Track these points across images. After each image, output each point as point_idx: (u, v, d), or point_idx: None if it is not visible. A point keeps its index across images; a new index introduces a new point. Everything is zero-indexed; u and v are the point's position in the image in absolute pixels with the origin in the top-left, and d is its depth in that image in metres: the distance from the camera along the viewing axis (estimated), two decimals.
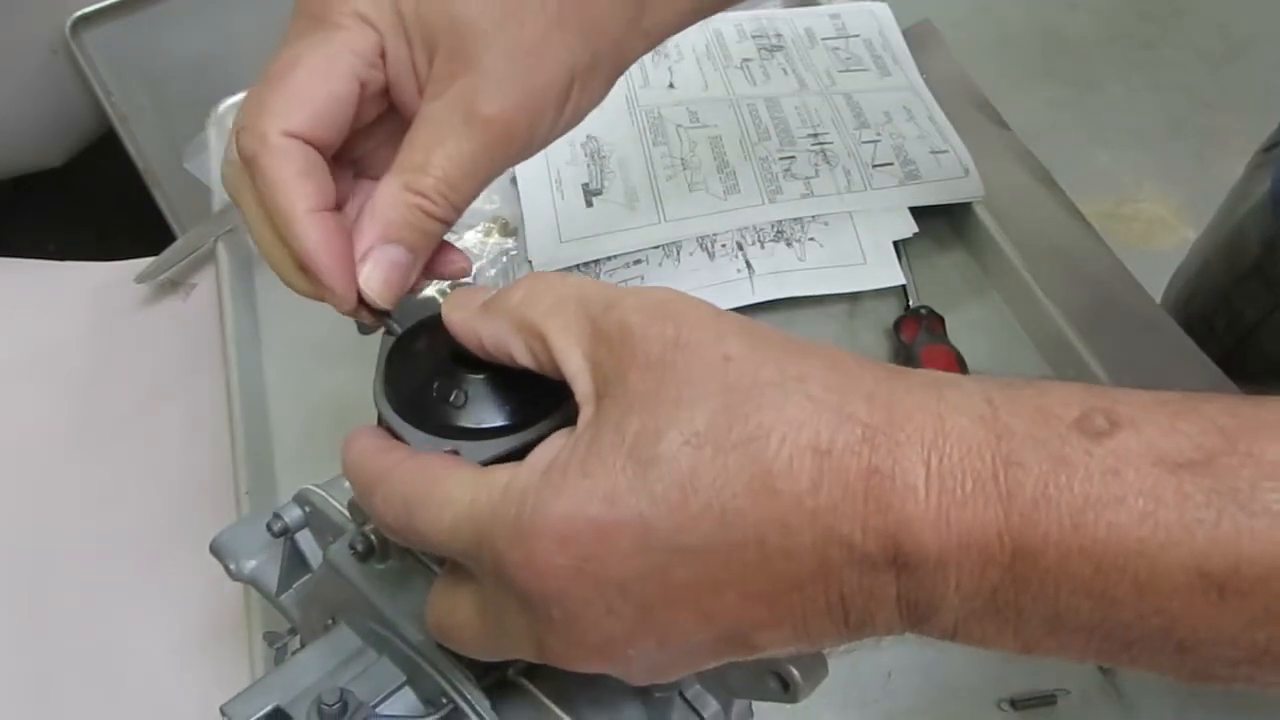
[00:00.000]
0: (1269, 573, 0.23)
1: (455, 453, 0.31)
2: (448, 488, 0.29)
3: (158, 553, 0.60)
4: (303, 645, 0.42)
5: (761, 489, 0.25)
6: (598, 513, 0.26)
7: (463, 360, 0.32)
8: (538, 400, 0.31)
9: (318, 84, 0.36)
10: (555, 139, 0.39)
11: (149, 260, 0.75)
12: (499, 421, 0.31)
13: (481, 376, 0.32)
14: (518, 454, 0.30)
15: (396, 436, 0.32)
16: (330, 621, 0.38)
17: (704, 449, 0.26)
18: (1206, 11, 2.22)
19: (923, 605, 0.25)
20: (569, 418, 0.29)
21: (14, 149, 1.06)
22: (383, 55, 0.37)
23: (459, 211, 0.36)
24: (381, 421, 0.33)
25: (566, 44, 0.37)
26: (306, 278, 0.36)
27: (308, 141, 0.35)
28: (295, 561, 0.43)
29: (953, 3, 2.08)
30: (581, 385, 0.28)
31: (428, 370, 0.33)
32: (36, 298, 0.77)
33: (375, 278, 0.35)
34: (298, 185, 0.35)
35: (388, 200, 0.35)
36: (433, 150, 0.35)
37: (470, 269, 0.40)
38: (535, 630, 0.28)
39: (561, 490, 0.26)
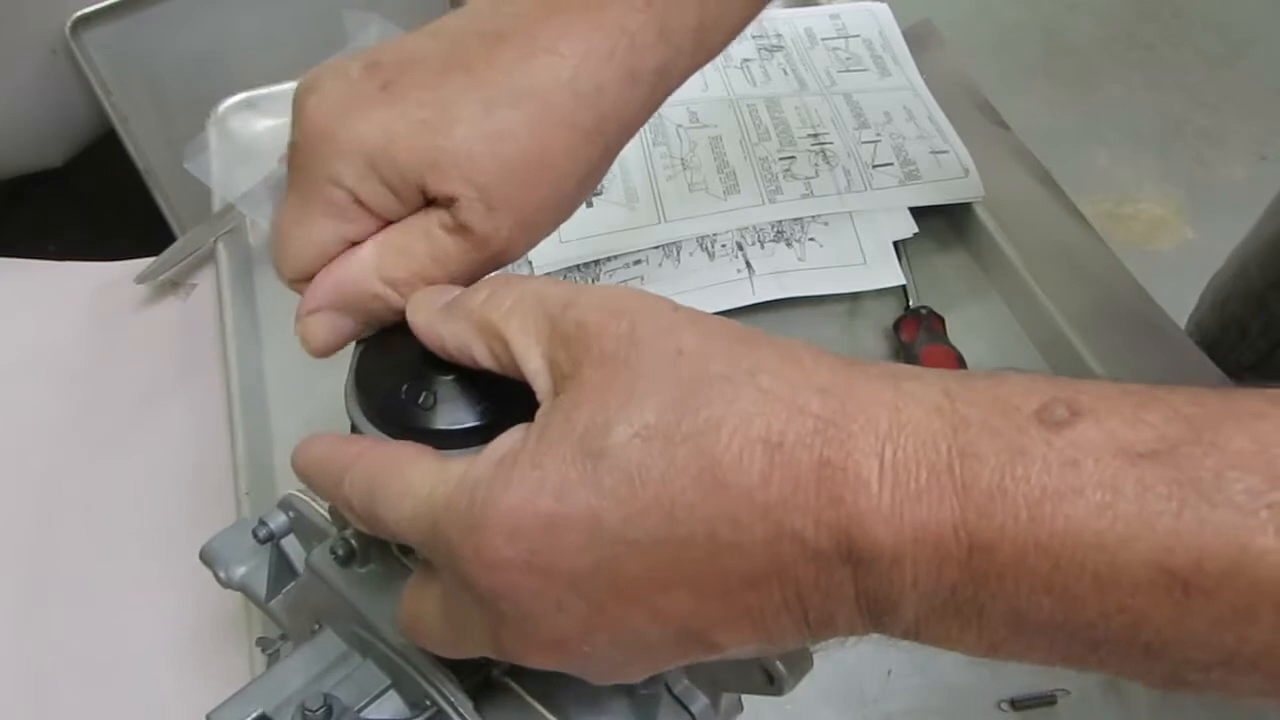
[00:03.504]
0: (1234, 568, 0.22)
1: None
2: (409, 477, 0.29)
3: (157, 553, 0.60)
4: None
5: (711, 482, 0.25)
6: (546, 505, 0.26)
7: (432, 362, 0.31)
8: (508, 403, 0.30)
9: (311, 242, 0.34)
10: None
11: (149, 260, 0.75)
12: (467, 426, 0.31)
13: (450, 379, 0.31)
14: None
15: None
16: (316, 626, 0.38)
17: (653, 442, 0.25)
18: (1206, 11, 2.22)
19: (881, 602, 0.25)
20: None
21: (14, 149, 1.05)
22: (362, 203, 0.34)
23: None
24: (354, 427, 0.33)
25: (569, 152, 0.34)
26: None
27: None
28: (282, 567, 0.43)
29: (953, 3, 2.09)
30: (541, 384, 0.28)
31: (397, 373, 0.32)
32: (36, 298, 0.77)
33: (316, 336, 0.35)
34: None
35: (355, 277, 0.34)
36: (417, 244, 0.33)
37: None
38: (490, 626, 0.28)
39: (511, 482, 0.26)
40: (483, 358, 0.30)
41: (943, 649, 0.26)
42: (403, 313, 0.34)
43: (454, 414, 0.31)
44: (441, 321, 0.31)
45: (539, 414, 0.28)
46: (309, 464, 0.32)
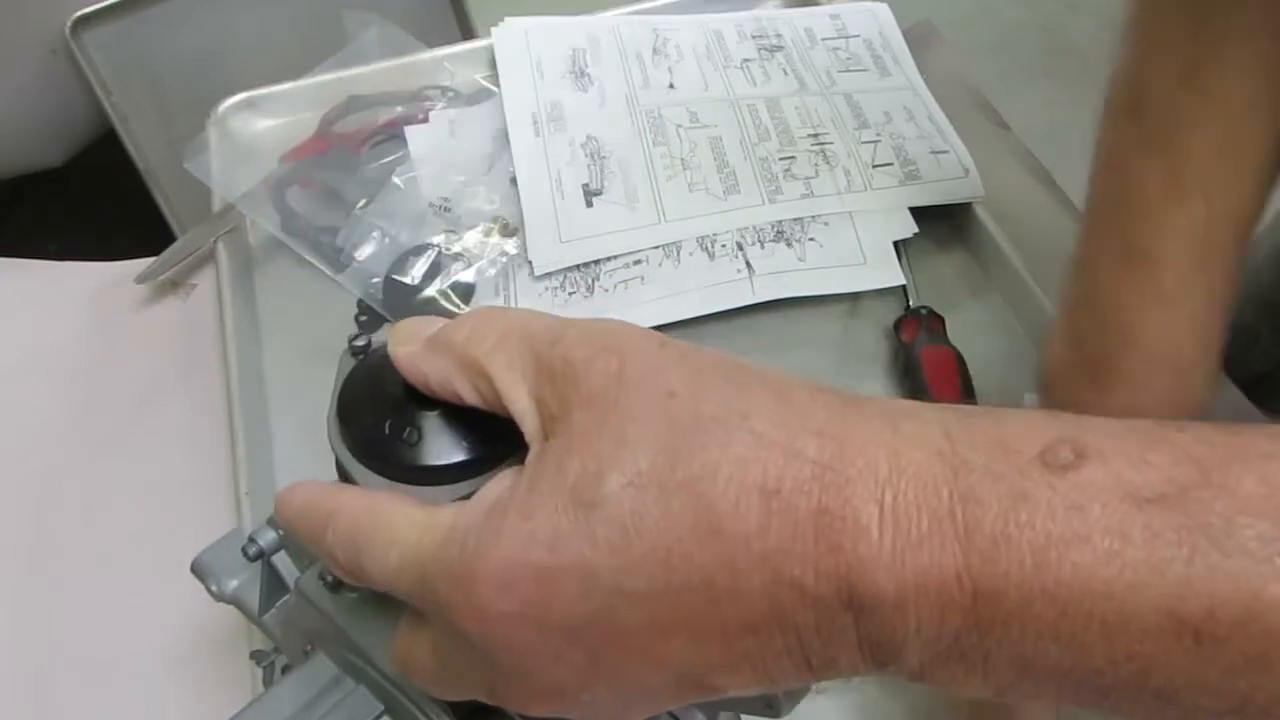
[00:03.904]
0: (1246, 616, 0.21)
1: None
2: (395, 527, 0.28)
3: (156, 554, 0.60)
4: (289, 665, 0.42)
5: (707, 531, 0.24)
6: (539, 557, 0.25)
7: (417, 395, 0.30)
8: (495, 439, 0.30)
9: None
10: None
11: (149, 260, 0.75)
12: (454, 462, 0.30)
13: (436, 414, 0.30)
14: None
15: (347, 475, 0.31)
16: (309, 648, 0.38)
17: (647, 490, 0.25)
18: None
19: (885, 647, 0.24)
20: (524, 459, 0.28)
21: (14, 149, 1.05)
22: None
23: None
24: (338, 461, 0.32)
25: None
26: None
27: None
28: (274, 583, 0.42)
29: (953, 3, 2.08)
30: (529, 424, 0.28)
31: (382, 407, 0.31)
32: (36, 298, 0.77)
33: None
34: None
35: None
36: None
37: None
38: (486, 676, 0.28)
39: (502, 533, 0.26)
40: (467, 395, 0.29)
41: (950, 691, 0.25)
42: None
43: (440, 450, 0.30)
44: (424, 358, 0.30)
45: (529, 460, 0.27)
46: (291, 515, 0.31)
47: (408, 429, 0.30)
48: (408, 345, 0.31)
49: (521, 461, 0.28)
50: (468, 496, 0.29)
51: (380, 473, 0.30)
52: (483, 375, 0.29)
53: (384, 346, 0.32)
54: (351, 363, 0.34)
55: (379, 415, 0.31)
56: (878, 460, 0.24)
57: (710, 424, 0.25)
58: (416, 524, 0.28)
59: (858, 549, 0.24)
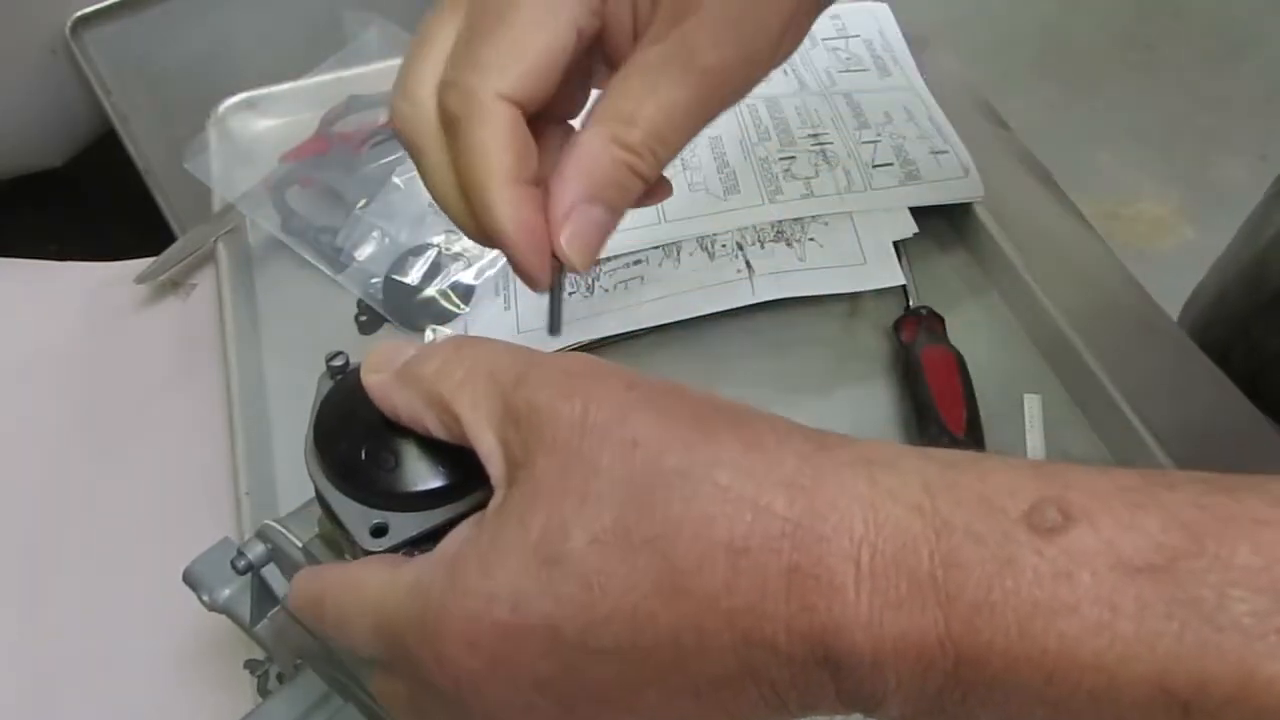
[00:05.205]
0: (1240, 693, 0.20)
1: (383, 525, 0.30)
2: (364, 590, 0.28)
3: (156, 554, 0.60)
4: (280, 674, 0.42)
5: (671, 590, 0.24)
6: (503, 616, 0.25)
7: (391, 422, 0.30)
8: (472, 460, 0.29)
9: (536, 36, 0.32)
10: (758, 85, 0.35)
11: (149, 260, 0.74)
12: (429, 488, 0.30)
13: (411, 439, 0.30)
14: (448, 526, 0.29)
15: (324, 500, 0.31)
16: (299, 662, 0.38)
17: (611, 547, 0.24)
18: (1206, 11, 2.23)
19: (866, 700, 0.24)
20: None
21: (14, 149, 1.05)
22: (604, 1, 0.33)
23: (663, 166, 0.33)
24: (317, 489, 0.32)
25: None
26: (483, 233, 0.33)
27: (517, 103, 0.32)
28: (264, 595, 0.42)
29: (953, 3, 2.09)
30: (494, 467, 0.28)
31: (358, 433, 0.31)
32: (36, 298, 0.77)
33: (576, 242, 0.32)
34: (500, 156, 0.31)
35: (592, 155, 0.32)
36: (644, 100, 0.32)
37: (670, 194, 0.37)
38: None
39: (466, 590, 0.26)
40: (435, 429, 0.29)
41: None
42: (648, 175, 0.33)
43: (418, 476, 0.30)
44: (394, 388, 0.30)
45: (491, 509, 0.27)
46: (299, 611, 0.32)
47: (384, 454, 0.30)
48: (379, 374, 0.30)
49: (491, 492, 0.28)
50: (439, 526, 0.29)
51: (355, 499, 0.30)
52: (449, 413, 0.29)
53: (359, 368, 0.32)
54: (329, 384, 0.33)
55: (356, 442, 0.31)
56: (852, 515, 0.24)
57: (673, 476, 0.25)
58: (381, 584, 0.28)
59: (832, 609, 0.23)
